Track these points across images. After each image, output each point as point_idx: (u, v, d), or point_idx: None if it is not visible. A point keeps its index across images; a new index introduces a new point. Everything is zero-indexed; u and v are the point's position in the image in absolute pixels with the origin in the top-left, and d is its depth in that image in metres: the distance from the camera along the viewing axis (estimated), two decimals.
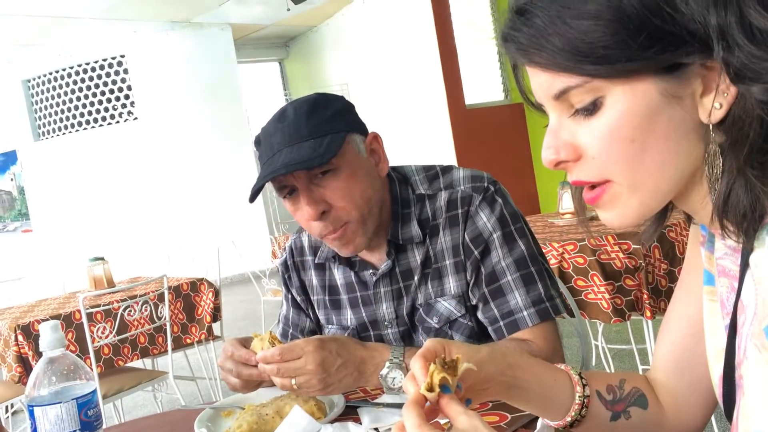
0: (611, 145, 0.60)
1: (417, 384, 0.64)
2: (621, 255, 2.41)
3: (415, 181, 1.27)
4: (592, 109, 0.60)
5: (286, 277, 1.39)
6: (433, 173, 1.27)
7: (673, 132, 0.60)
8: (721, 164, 0.60)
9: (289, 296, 1.40)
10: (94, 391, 0.93)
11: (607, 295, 2.42)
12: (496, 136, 7.80)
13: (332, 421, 1.04)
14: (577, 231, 2.77)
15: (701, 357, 0.75)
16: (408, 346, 1.15)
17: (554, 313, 1.17)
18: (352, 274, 1.29)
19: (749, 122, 0.57)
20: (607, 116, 0.60)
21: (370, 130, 1.23)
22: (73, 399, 0.90)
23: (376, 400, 1.13)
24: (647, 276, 2.42)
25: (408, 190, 1.26)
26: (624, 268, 2.41)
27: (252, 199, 1.13)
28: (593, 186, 0.64)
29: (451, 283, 1.22)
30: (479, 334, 1.23)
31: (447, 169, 1.27)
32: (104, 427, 0.97)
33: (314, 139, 1.10)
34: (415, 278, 1.24)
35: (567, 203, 3.07)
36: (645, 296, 2.40)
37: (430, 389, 0.63)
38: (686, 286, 0.81)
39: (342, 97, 1.21)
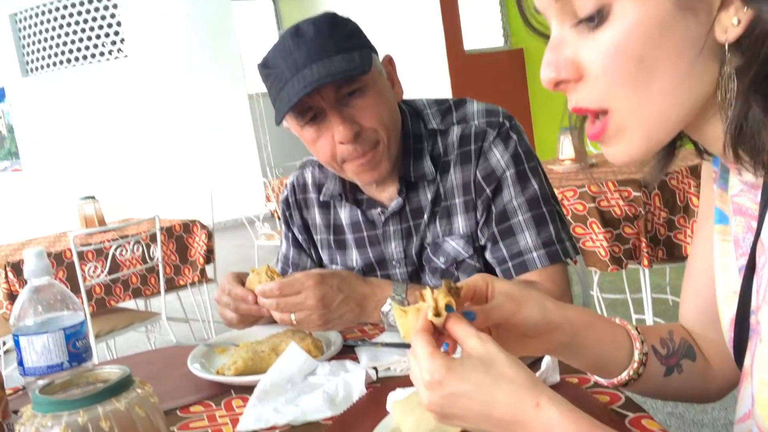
0: (616, 63, 0.54)
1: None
2: (621, 202, 2.39)
3: (427, 115, 1.21)
4: (597, 19, 0.54)
5: (287, 215, 1.35)
6: (445, 107, 1.22)
7: (687, 49, 0.54)
8: (735, 88, 0.54)
9: (290, 235, 1.36)
10: (82, 322, 0.90)
11: (605, 243, 2.40)
12: (494, 83, 7.68)
13: (329, 360, 1.02)
14: (576, 177, 2.73)
15: None
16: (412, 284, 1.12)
17: (564, 257, 1.14)
18: (359, 212, 1.25)
19: (763, 42, 0.51)
20: (614, 29, 0.54)
21: None
22: (60, 329, 0.87)
23: (374, 340, 1.10)
24: (646, 224, 2.40)
25: (420, 125, 1.20)
26: (623, 215, 2.39)
27: (279, 120, 1.08)
28: (595, 119, 0.58)
29: (460, 222, 1.18)
30: None
31: (460, 103, 1.22)
32: (94, 360, 0.94)
33: (343, 54, 1.04)
34: (425, 216, 1.20)
35: (567, 150, 3.02)
36: (643, 245, 2.39)
37: (437, 314, 0.60)
38: (704, 234, 0.75)
39: (350, 19, 1.13)
